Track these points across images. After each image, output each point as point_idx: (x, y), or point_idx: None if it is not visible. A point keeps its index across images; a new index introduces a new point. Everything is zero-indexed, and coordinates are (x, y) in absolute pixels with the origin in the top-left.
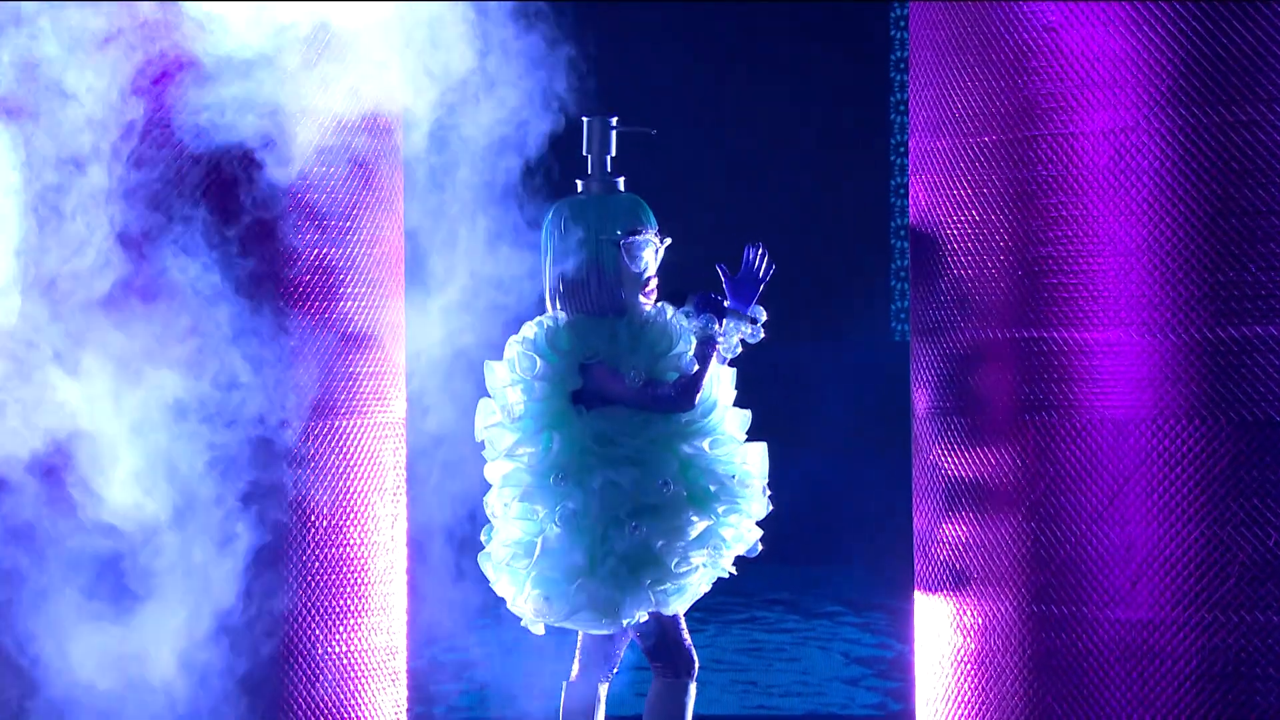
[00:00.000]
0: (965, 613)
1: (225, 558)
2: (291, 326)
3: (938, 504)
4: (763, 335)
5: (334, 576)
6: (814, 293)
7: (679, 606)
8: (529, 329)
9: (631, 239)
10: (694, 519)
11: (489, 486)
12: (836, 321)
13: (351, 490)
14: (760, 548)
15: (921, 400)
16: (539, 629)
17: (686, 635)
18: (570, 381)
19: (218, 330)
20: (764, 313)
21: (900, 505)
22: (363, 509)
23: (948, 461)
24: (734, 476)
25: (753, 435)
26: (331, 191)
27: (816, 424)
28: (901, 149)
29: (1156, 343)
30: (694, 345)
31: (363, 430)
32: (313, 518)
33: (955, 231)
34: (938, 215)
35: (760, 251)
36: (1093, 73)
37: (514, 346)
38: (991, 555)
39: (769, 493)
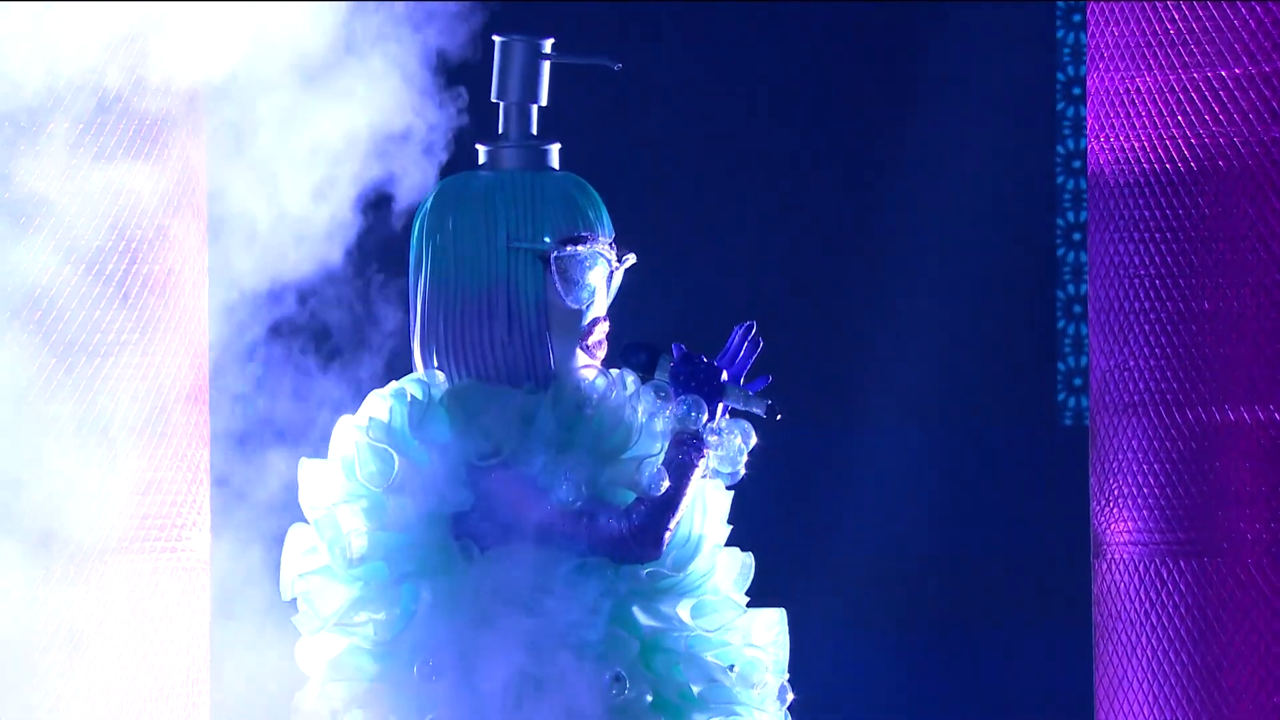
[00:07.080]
0: None
1: None
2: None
3: (1144, 701)
4: (778, 416)
5: None
6: (923, 348)
7: None
8: (377, 403)
9: (568, 250)
10: None
11: (304, 678)
12: (962, 394)
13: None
14: None
15: (1117, 527)
16: None
17: None
18: (451, 498)
19: None
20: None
21: (1078, 705)
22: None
23: (1163, 632)
24: (732, 668)
25: (777, 587)
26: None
27: (914, 568)
28: (1075, 91)
29: None
30: (667, 445)
31: (146, 576)
32: None
33: (1170, 234)
34: (1139, 206)
35: (751, 332)
36: None
37: (353, 433)
38: None
39: (790, 695)
